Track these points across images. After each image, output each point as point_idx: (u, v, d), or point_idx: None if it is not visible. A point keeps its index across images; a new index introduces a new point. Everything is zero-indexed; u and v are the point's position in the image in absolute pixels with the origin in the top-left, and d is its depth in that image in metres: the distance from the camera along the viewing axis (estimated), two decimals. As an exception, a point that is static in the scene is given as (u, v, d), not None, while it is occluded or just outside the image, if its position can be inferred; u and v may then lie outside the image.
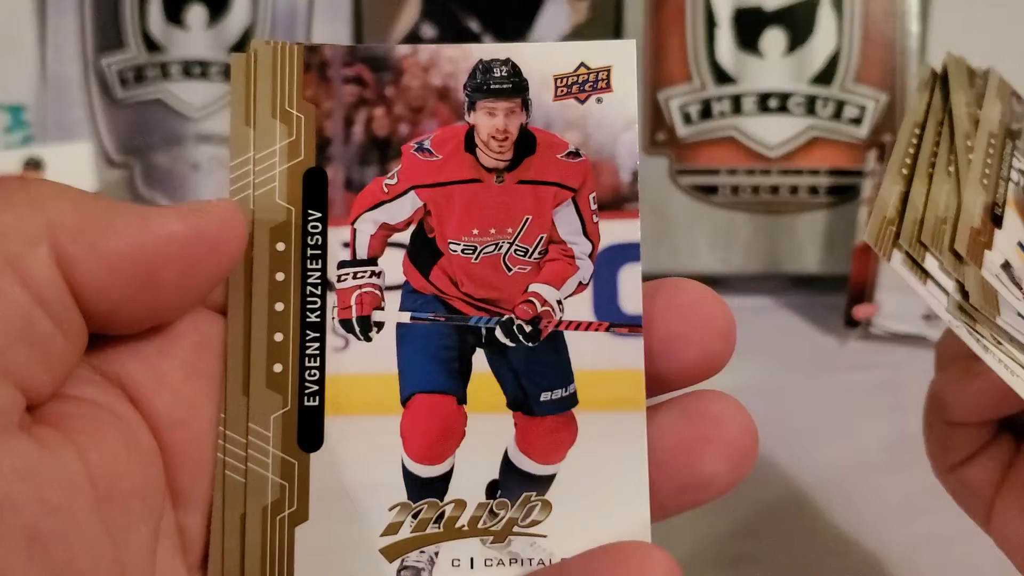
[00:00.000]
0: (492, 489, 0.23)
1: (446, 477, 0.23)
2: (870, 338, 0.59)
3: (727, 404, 0.23)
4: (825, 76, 0.61)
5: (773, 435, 0.50)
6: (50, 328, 0.20)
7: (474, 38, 0.59)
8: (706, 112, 0.60)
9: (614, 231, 0.24)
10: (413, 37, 0.59)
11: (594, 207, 0.24)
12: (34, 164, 0.53)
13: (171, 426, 0.22)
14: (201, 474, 0.22)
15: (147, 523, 0.21)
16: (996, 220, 0.31)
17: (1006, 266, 0.30)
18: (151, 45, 0.60)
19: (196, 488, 0.22)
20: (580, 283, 0.24)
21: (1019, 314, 0.29)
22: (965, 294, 0.28)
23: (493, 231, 0.24)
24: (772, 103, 0.61)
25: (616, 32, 0.60)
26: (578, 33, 0.60)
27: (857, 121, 0.61)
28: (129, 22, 0.60)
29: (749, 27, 0.61)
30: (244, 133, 0.23)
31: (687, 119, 0.60)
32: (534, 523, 0.23)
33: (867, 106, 0.61)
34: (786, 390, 0.54)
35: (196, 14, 0.60)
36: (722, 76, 0.60)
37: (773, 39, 0.61)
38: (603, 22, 0.60)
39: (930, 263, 0.29)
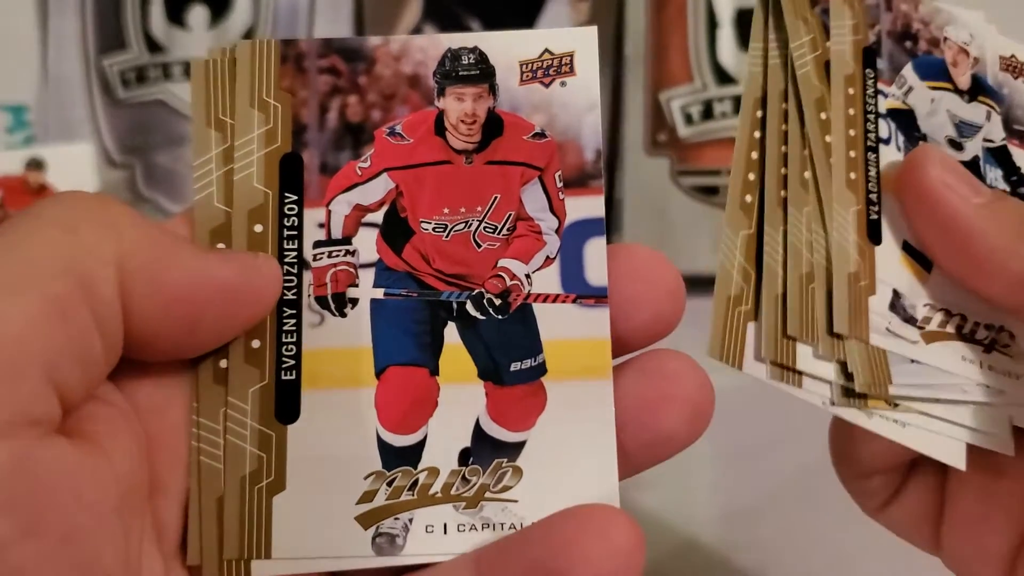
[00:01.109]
0: (464, 456, 0.24)
1: (419, 446, 0.24)
2: None
3: (682, 362, 0.23)
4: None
5: (773, 432, 0.50)
6: (100, 350, 0.20)
7: None
8: (708, 113, 0.61)
9: (579, 207, 0.25)
10: None
11: (560, 185, 0.25)
12: (36, 164, 0.54)
13: (149, 414, 0.23)
14: (176, 462, 0.23)
15: (142, 515, 0.22)
16: (874, 233, 0.25)
17: (894, 303, 0.26)
18: (153, 46, 0.60)
19: (171, 476, 0.23)
20: (547, 257, 0.24)
21: (912, 361, 0.25)
22: (849, 375, 0.24)
23: (463, 210, 0.25)
24: None
25: (618, 33, 0.61)
26: None
27: None
28: (131, 23, 0.61)
29: (750, 28, 0.62)
30: (205, 134, 0.24)
31: (688, 120, 0.61)
32: (505, 488, 0.23)
33: None
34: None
35: (198, 15, 0.60)
36: (724, 77, 0.61)
37: None
38: (604, 22, 0.61)
39: (803, 358, 0.24)
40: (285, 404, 0.23)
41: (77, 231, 0.20)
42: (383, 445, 0.23)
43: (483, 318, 0.24)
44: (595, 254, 0.24)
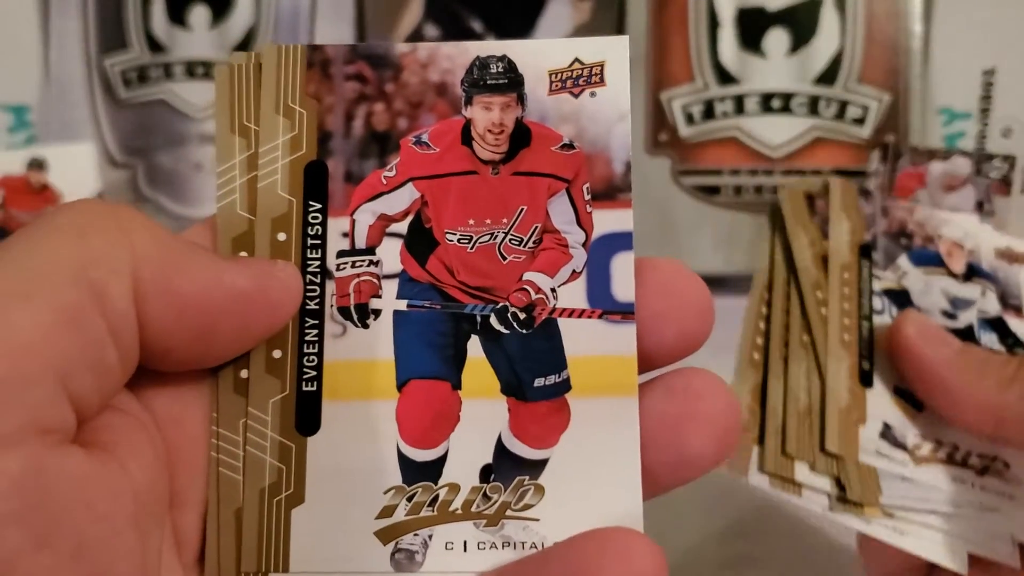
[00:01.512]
0: (486, 473, 0.23)
1: (440, 461, 0.23)
2: None
3: (709, 380, 0.23)
4: (828, 76, 0.61)
5: None
6: (115, 360, 0.20)
7: (477, 38, 0.60)
8: (709, 112, 0.61)
9: (607, 220, 0.24)
10: (416, 37, 0.60)
11: (588, 197, 0.24)
12: (37, 164, 0.54)
13: (168, 425, 0.22)
14: (195, 472, 0.23)
15: (161, 526, 0.22)
16: (865, 379, 0.32)
17: (885, 432, 0.31)
18: (154, 45, 0.60)
19: (191, 487, 0.23)
20: (573, 271, 0.24)
21: (903, 478, 0.30)
22: (842, 487, 0.29)
23: (488, 221, 0.24)
24: (775, 103, 0.61)
25: (619, 32, 0.61)
26: (581, 33, 0.61)
27: (860, 121, 0.61)
28: (132, 23, 0.61)
29: (752, 27, 0.61)
30: (229, 140, 0.24)
31: (690, 119, 0.61)
32: (527, 507, 0.23)
33: (870, 106, 0.61)
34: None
35: (199, 14, 0.61)
36: (725, 76, 0.61)
37: (776, 39, 0.61)
38: (606, 22, 0.61)
39: (800, 472, 0.29)
40: (306, 415, 0.23)
41: (89, 239, 0.20)
42: (403, 459, 0.23)
43: (507, 332, 0.24)
44: (622, 269, 0.24)
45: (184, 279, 0.21)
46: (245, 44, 0.60)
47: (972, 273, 0.34)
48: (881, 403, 0.31)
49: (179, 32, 0.60)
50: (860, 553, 0.35)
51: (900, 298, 0.33)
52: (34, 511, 0.18)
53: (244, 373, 0.23)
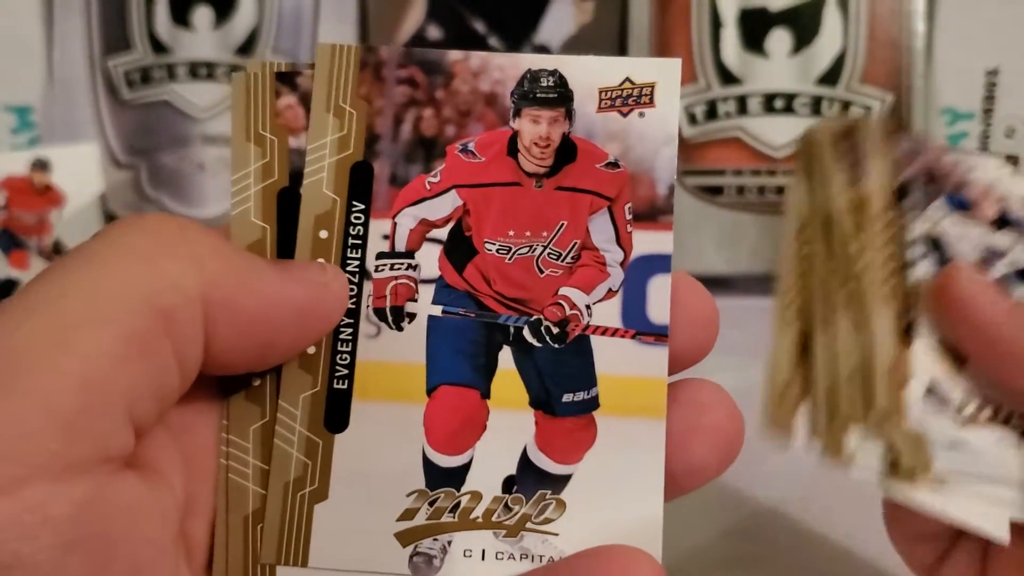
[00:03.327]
0: (508, 484, 0.23)
1: (465, 468, 0.23)
2: None
3: (713, 392, 0.23)
4: (831, 76, 0.60)
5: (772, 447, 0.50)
6: (178, 385, 0.20)
7: (480, 39, 0.60)
8: (711, 113, 0.61)
9: (647, 242, 0.24)
10: (419, 38, 0.60)
11: (629, 217, 0.24)
12: (41, 165, 0.54)
13: (180, 433, 0.22)
14: (205, 480, 0.23)
15: (179, 535, 0.22)
16: (908, 335, 0.30)
17: (931, 391, 0.29)
18: (157, 46, 0.61)
19: (201, 494, 0.23)
20: (610, 290, 0.24)
21: (952, 442, 0.29)
22: (894, 456, 0.28)
23: (528, 233, 0.24)
24: (778, 103, 0.61)
25: (621, 32, 0.61)
26: (583, 34, 0.61)
27: None
28: (135, 23, 0.61)
29: (755, 27, 0.61)
30: (245, 149, 0.24)
31: (692, 119, 0.61)
32: (547, 521, 0.23)
33: (873, 106, 0.61)
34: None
35: (202, 15, 0.61)
36: (728, 76, 0.61)
37: (779, 39, 0.61)
38: (608, 23, 0.61)
39: (850, 441, 0.28)
40: (335, 413, 0.23)
41: (160, 263, 0.20)
42: (428, 464, 0.23)
43: (539, 345, 0.24)
44: (659, 291, 0.24)
45: (251, 299, 0.21)
46: (248, 45, 0.60)
47: (1003, 222, 0.32)
48: (926, 357, 0.30)
49: (182, 33, 0.61)
50: (884, 516, 0.33)
51: (935, 245, 0.31)
52: (95, 539, 0.18)
53: (256, 381, 0.23)
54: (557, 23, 0.60)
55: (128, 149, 0.61)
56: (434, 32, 0.60)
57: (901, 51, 0.61)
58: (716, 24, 0.61)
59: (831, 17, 0.61)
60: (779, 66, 0.61)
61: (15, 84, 0.62)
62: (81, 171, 0.55)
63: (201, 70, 0.61)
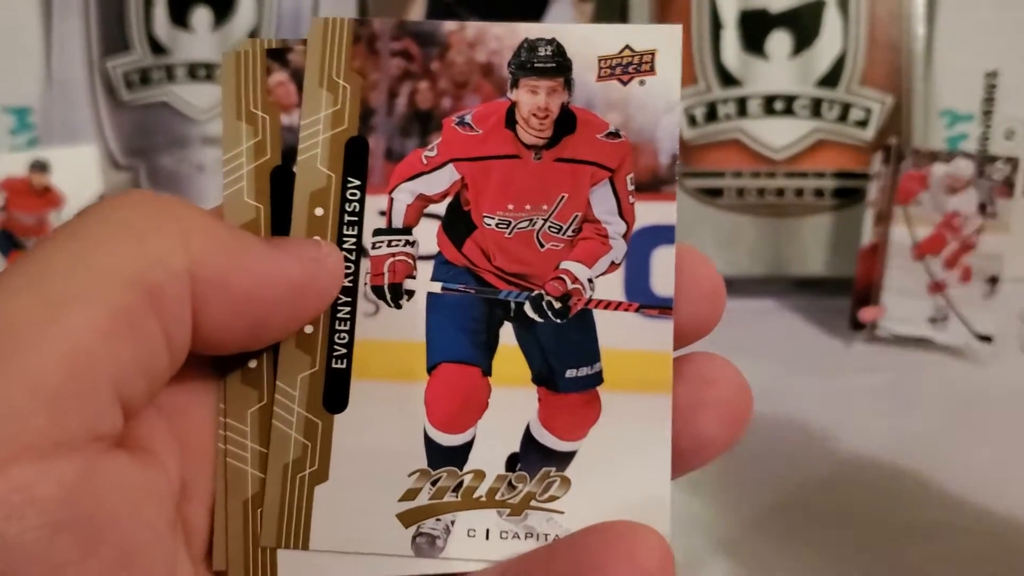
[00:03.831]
0: (512, 462, 0.23)
1: (467, 447, 0.23)
2: (876, 341, 0.59)
3: (720, 365, 0.22)
4: (831, 78, 0.60)
5: (779, 436, 0.50)
6: (167, 361, 0.20)
7: None
8: (711, 114, 0.61)
9: (650, 213, 0.24)
10: None
11: (631, 188, 0.24)
12: (40, 166, 0.54)
13: (173, 415, 0.22)
14: (202, 463, 0.22)
15: (177, 520, 0.21)
16: None
17: None
18: (156, 48, 0.60)
19: (198, 478, 0.22)
20: (612, 263, 0.24)
21: None
22: None
23: (528, 207, 0.24)
24: (778, 105, 0.61)
25: None
26: None
27: (863, 123, 0.61)
28: (134, 25, 0.61)
29: (755, 29, 0.61)
30: (236, 128, 0.24)
31: (692, 121, 0.60)
32: (552, 499, 0.23)
33: (873, 108, 0.60)
34: (791, 392, 0.53)
35: (201, 17, 0.60)
36: (728, 78, 0.61)
37: (779, 41, 0.61)
38: (607, 23, 0.61)
39: None
40: (334, 393, 0.23)
41: (147, 240, 0.19)
42: (430, 443, 0.23)
43: (541, 320, 0.23)
44: (663, 263, 0.23)
45: (241, 276, 0.20)
46: (247, 46, 0.61)
47: None
48: None
49: (181, 34, 0.61)
50: None
51: None
52: (85, 519, 0.18)
53: (253, 363, 0.23)
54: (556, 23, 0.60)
55: (127, 150, 0.61)
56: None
57: (901, 53, 0.61)
58: (716, 26, 0.61)
59: (831, 19, 0.61)
60: (779, 68, 0.61)
61: (14, 85, 0.62)
62: (80, 172, 0.55)
63: (200, 71, 0.60)
